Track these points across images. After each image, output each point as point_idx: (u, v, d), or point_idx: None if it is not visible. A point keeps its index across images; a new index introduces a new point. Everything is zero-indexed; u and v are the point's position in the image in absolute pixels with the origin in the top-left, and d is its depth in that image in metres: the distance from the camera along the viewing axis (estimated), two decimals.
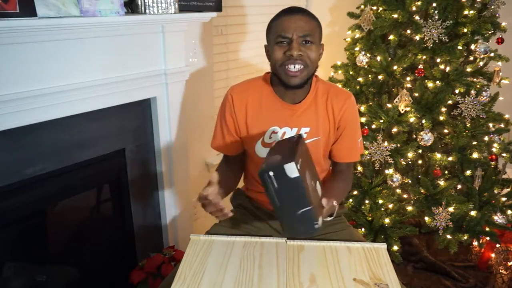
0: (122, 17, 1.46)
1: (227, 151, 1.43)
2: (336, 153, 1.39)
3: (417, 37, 2.06)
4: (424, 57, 2.08)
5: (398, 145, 2.09)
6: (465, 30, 2.02)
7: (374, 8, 2.18)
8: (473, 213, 2.07)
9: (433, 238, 2.20)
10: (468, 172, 2.11)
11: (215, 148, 1.44)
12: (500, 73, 2.10)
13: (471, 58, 2.14)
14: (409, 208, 2.13)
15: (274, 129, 1.32)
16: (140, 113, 1.78)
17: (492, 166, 2.15)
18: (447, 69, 2.07)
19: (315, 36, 1.23)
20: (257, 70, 2.39)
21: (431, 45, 2.02)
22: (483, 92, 2.05)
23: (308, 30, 1.21)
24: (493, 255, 2.13)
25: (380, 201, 2.11)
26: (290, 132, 1.32)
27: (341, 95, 1.34)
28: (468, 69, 2.09)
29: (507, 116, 2.14)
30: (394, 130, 2.12)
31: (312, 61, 1.23)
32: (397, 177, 2.09)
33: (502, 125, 2.13)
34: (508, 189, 2.17)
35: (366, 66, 2.21)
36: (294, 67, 1.21)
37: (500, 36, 2.06)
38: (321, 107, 1.32)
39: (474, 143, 2.09)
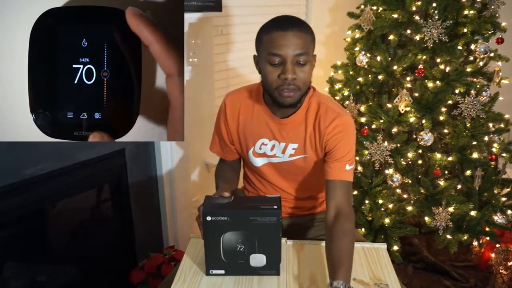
0: None
1: (224, 156, 1.44)
2: (325, 173, 1.25)
3: (417, 37, 2.06)
4: (424, 57, 2.08)
5: (398, 145, 2.09)
6: (465, 30, 2.02)
7: (374, 8, 2.18)
8: (473, 213, 2.07)
9: (433, 238, 2.20)
10: (468, 172, 2.11)
11: (214, 152, 1.45)
12: (500, 73, 2.10)
13: (471, 58, 2.14)
14: (409, 208, 2.13)
15: (263, 141, 1.30)
16: None
17: (492, 166, 2.15)
18: (447, 69, 2.07)
19: (309, 53, 1.15)
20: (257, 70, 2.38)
21: (431, 45, 2.02)
22: (483, 92, 2.05)
23: (303, 49, 1.12)
24: (493, 255, 2.13)
25: (380, 201, 2.11)
26: (278, 146, 1.29)
27: (330, 115, 1.24)
28: (468, 69, 2.09)
29: (507, 116, 2.14)
30: (394, 130, 2.12)
31: (304, 83, 1.16)
32: (397, 177, 2.09)
33: (502, 125, 2.13)
34: (508, 189, 2.17)
35: (366, 66, 2.21)
36: (288, 90, 1.15)
37: (500, 36, 2.06)
38: (310, 125, 1.26)
39: (474, 143, 2.09)
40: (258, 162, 1.34)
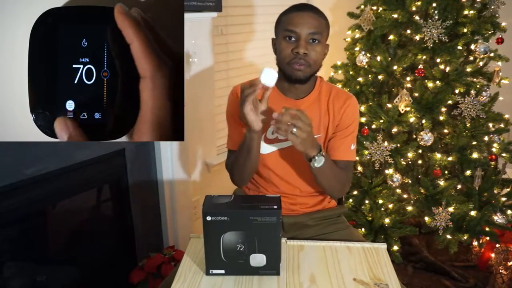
0: None
1: None
2: (330, 151, 1.35)
3: (417, 37, 2.06)
4: (424, 57, 2.08)
5: (398, 145, 2.09)
6: (465, 30, 2.02)
7: (374, 8, 2.18)
8: (473, 213, 2.07)
9: (433, 238, 2.20)
10: (468, 172, 2.11)
11: (233, 147, 1.39)
12: (500, 73, 2.10)
13: (471, 58, 2.14)
14: (409, 208, 2.13)
15: None
16: None
17: (492, 166, 2.15)
18: (447, 69, 2.07)
19: (322, 35, 1.24)
20: (258, 70, 2.38)
21: (431, 45, 2.02)
22: (483, 92, 2.05)
23: (317, 29, 1.22)
24: (493, 255, 2.13)
25: (380, 201, 2.11)
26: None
27: (343, 95, 1.35)
28: (468, 69, 2.09)
29: (507, 116, 2.14)
30: (394, 130, 2.12)
31: (315, 61, 1.24)
32: (397, 177, 2.09)
33: (502, 125, 2.14)
34: (508, 189, 2.17)
35: (366, 66, 2.21)
36: (299, 64, 1.23)
37: (500, 36, 2.06)
38: (324, 105, 1.33)
39: (474, 143, 2.09)
40: (267, 149, 1.33)
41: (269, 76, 1.05)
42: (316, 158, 1.16)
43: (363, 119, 2.17)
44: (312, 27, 1.21)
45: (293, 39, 1.22)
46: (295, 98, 1.33)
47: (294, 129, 1.07)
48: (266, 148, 1.34)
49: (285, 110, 1.08)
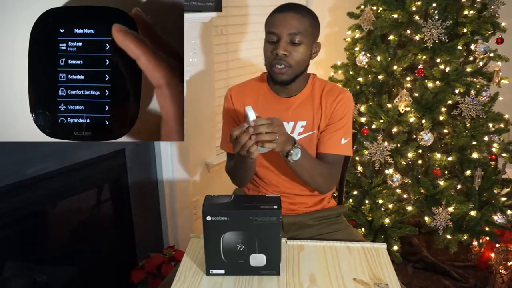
0: None
1: None
2: (320, 144, 1.33)
3: (417, 37, 2.06)
4: (424, 57, 2.08)
5: (398, 145, 2.09)
6: (465, 30, 2.02)
7: (374, 8, 2.18)
8: (473, 213, 2.07)
9: (433, 238, 2.20)
10: (468, 172, 2.11)
11: (226, 149, 1.41)
12: (500, 73, 2.10)
13: (471, 58, 2.14)
14: (409, 208, 2.13)
15: None
16: None
17: (492, 166, 2.15)
18: (447, 69, 2.07)
19: (305, 36, 1.22)
20: (258, 70, 2.38)
21: (431, 45, 2.02)
22: (483, 92, 2.05)
23: (298, 29, 1.20)
24: (493, 255, 2.13)
25: (380, 201, 2.11)
26: (286, 126, 1.31)
27: (335, 90, 1.33)
28: (468, 69, 2.09)
29: (507, 116, 2.14)
30: (394, 130, 2.12)
31: (297, 62, 1.23)
32: (397, 177, 2.09)
33: (502, 125, 2.14)
34: (508, 189, 2.17)
35: (366, 66, 2.21)
36: (280, 65, 1.22)
37: (500, 36, 2.06)
38: (317, 101, 1.32)
39: (474, 143, 2.09)
40: (263, 148, 1.33)
41: (252, 111, 1.06)
42: (292, 151, 1.14)
43: (363, 119, 2.17)
44: (293, 28, 1.20)
45: (274, 40, 1.22)
46: (287, 96, 1.33)
47: (277, 136, 1.06)
48: (261, 148, 1.33)
49: (255, 123, 1.05)
